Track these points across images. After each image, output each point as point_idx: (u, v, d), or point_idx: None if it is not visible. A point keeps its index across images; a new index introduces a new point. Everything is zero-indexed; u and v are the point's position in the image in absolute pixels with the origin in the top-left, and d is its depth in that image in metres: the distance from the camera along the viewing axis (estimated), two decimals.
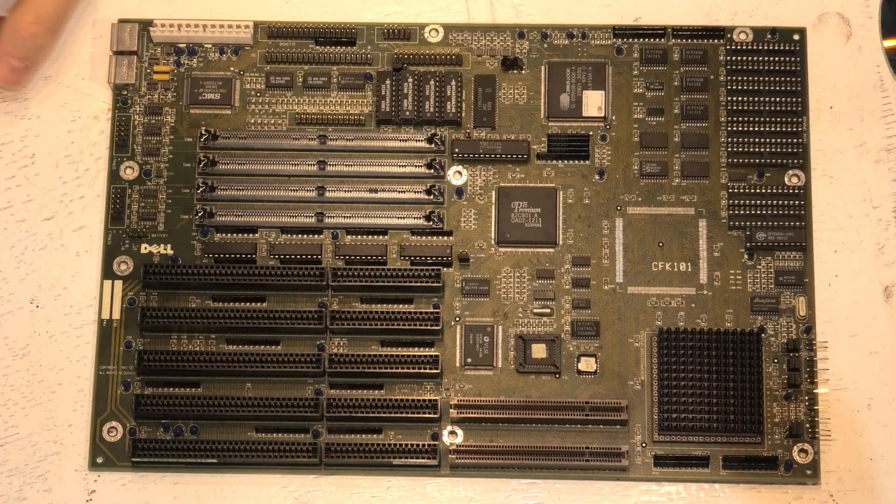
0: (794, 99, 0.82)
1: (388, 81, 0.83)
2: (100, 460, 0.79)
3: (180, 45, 0.84)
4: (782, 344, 0.80)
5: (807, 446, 0.79)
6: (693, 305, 0.81)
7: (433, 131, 0.82)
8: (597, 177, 0.82)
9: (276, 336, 0.80)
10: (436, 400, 0.79)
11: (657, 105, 0.83)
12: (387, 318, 0.79)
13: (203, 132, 0.83)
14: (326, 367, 0.79)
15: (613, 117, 0.83)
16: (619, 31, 0.84)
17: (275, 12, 0.85)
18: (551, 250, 0.81)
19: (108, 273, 0.81)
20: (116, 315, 0.81)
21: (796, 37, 0.83)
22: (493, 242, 0.81)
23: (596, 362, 0.80)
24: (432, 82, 0.83)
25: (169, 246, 0.82)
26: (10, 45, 0.81)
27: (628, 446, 0.78)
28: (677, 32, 0.84)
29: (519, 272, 0.81)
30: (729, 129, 0.82)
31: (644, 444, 0.79)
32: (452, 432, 0.79)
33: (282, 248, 0.81)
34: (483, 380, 0.80)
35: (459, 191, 0.82)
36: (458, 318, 0.81)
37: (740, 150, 0.82)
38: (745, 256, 0.81)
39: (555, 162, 0.82)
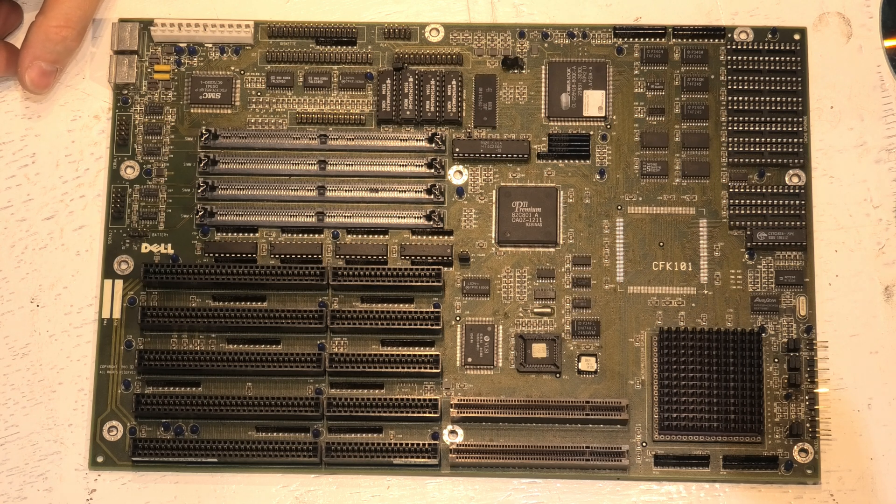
0: (794, 99, 0.82)
1: (388, 81, 0.83)
2: (100, 459, 0.79)
3: (181, 45, 0.84)
4: (782, 344, 0.80)
5: (807, 446, 0.79)
6: (693, 305, 0.81)
7: (434, 131, 0.83)
8: (597, 176, 0.82)
9: (276, 335, 0.80)
10: (436, 399, 0.79)
11: (658, 105, 0.83)
12: (387, 318, 0.79)
13: (203, 131, 0.83)
14: (327, 367, 0.79)
15: (614, 117, 0.83)
16: (620, 31, 0.84)
17: (275, 12, 0.85)
18: (552, 250, 0.81)
19: (108, 272, 0.81)
20: (117, 314, 0.81)
21: (797, 36, 0.83)
22: (493, 242, 0.81)
23: (596, 362, 0.80)
24: (433, 82, 0.83)
25: (169, 245, 0.82)
26: (41, 49, 0.81)
27: (628, 446, 0.78)
28: (678, 32, 0.84)
29: (519, 272, 0.81)
30: (729, 128, 0.82)
31: (644, 444, 0.79)
32: (453, 432, 0.79)
33: (282, 248, 0.81)
34: (483, 379, 0.80)
35: (460, 190, 0.82)
36: (458, 318, 0.81)
37: (741, 149, 0.82)
38: (746, 256, 0.81)
39: (555, 161, 0.83)
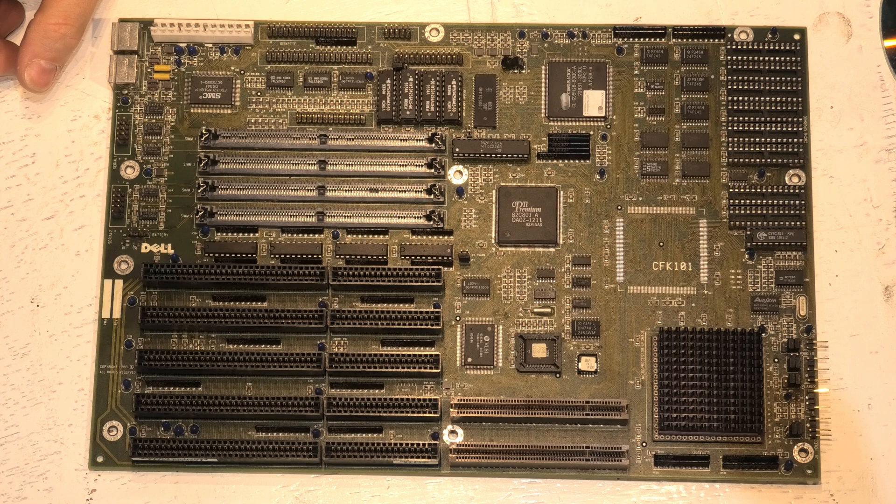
0: (794, 99, 0.82)
1: (388, 81, 0.83)
2: (100, 459, 0.79)
3: (181, 45, 0.84)
4: (782, 343, 0.80)
5: (807, 446, 0.79)
6: (693, 305, 0.81)
7: (434, 131, 0.83)
8: (597, 176, 0.82)
9: (276, 335, 0.80)
10: (436, 399, 0.79)
11: (658, 105, 0.83)
12: (387, 318, 0.79)
13: (203, 131, 0.83)
14: (327, 367, 0.79)
15: (614, 117, 0.83)
16: (620, 31, 0.84)
17: (275, 12, 0.85)
18: (552, 250, 0.81)
19: (108, 272, 0.81)
20: (117, 314, 0.81)
21: (797, 36, 0.84)
22: (493, 242, 0.81)
23: (596, 362, 0.80)
24: (433, 82, 0.83)
25: (169, 245, 0.82)
26: (40, 47, 0.81)
27: (628, 446, 0.78)
28: (678, 32, 0.84)
29: (519, 272, 0.81)
30: (729, 128, 0.82)
31: (644, 444, 0.79)
32: (453, 432, 0.79)
33: (282, 248, 0.81)
34: (483, 379, 0.80)
35: (460, 190, 0.82)
36: (458, 318, 0.81)
37: (741, 149, 0.82)
38: (746, 256, 0.81)
39: (555, 161, 0.83)
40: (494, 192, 0.82)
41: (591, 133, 0.83)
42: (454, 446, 0.78)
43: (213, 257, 0.81)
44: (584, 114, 0.83)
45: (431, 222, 0.81)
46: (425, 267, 0.80)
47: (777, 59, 0.83)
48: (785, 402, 0.79)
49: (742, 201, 0.81)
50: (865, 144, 0.83)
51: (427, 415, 0.78)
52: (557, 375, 0.80)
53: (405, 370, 0.79)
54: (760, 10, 0.85)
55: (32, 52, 0.81)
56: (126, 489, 0.79)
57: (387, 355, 0.79)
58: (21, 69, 0.81)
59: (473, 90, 0.83)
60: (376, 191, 0.82)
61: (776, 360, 0.80)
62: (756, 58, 0.83)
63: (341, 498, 0.79)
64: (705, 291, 0.81)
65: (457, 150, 0.82)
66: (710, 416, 0.78)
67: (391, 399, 0.79)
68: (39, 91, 0.83)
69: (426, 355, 0.79)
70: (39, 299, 0.82)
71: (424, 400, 0.79)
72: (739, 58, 0.83)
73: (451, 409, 0.78)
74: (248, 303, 0.80)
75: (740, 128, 0.82)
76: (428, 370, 0.79)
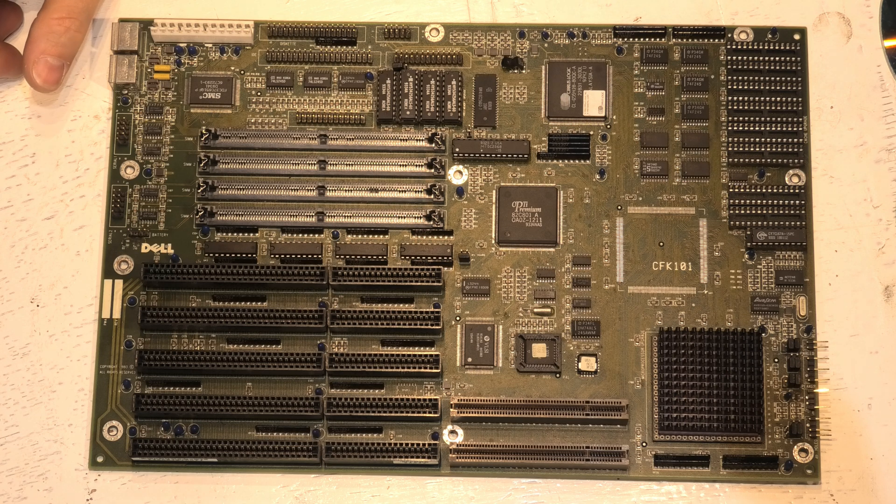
0: (794, 99, 0.82)
1: (388, 81, 0.83)
2: (100, 459, 0.79)
3: (181, 45, 0.84)
4: (782, 343, 0.80)
5: (807, 446, 0.79)
6: (693, 305, 0.81)
7: (434, 131, 0.83)
8: (597, 176, 0.82)
9: (276, 335, 0.80)
10: (436, 399, 0.79)
11: (658, 105, 0.83)
12: (387, 318, 0.79)
13: (203, 131, 0.83)
14: (327, 367, 0.79)
15: (614, 117, 0.83)
16: (620, 31, 0.84)
17: (275, 12, 0.85)
18: (552, 250, 0.81)
19: (108, 272, 0.81)
20: (117, 314, 0.81)
21: (797, 36, 0.84)
22: (493, 242, 0.81)
23: (596, 362, 0.80)
24: (433, 82, 0.83)
25: (169, 245, 0.82)
26: (46, 43, 0.80)
27: (628, 446, 0.78)
28: (678, 32, 0.84)
29: (519, 272, 0.81)
30: (729, 128, 0.82)
31: (644, 444, 0.79)
32: (453, 432, 0.79)
33: (282, 248, 0.81)
34: (483, 379, 0.80)
35: (460, 190, 0.82)
36: (458, 318, 0.81)
37: (741, 149, 0.82)
38: (746, 256, 0.81)
39: (555, 161, 0.83)
40: (494, 192, 0.82)
41: (591, 133, 0.83)
42: (454, 446, 0.78)
43: (213, 257, 0.81)
44: (584, 114, 0.83)
45: (431, 222, 0.81)
46: (425, 267, 0.80)
47: (777, 59, 0.83)
48: (785, 402, 0.79)
49: (742, 201, 0.81)
50: (865, 144, 0.83)
51: (427, 415, 0.78)
52: (557, 375, 0.80)
53: (405, 370, 0.79)
54: (760, 10, 0.85)
55: (38, 49, 0.80)
56: (126, 489, 0.79)
57: (387, 355, 0.79)
58: (28, 67, 0.81)
59: (473, 90, 0.83)
60: (376, 191, 0.82)
61: (776, 360, 0.80)
62: (756, 58, 0.83)
63: (341, 498, 0.79)
64: (705, 291, 0.81)
65: (457, 150, 0.82)
66: (710, 416, 0.78)
67: (391, 399, 0.79)
68: (48, 90, 0.82)
69: (426, 355, 0.79)
70: (39, 299, 0.82)
71: (424, 400, 0.79)
72: (739, 58, 0.83)
73: (451, 409, 0.78)
74: (248, 303, 0.80)
75: (740, 128, 0.82)
76: (428, 370, 0.79)
